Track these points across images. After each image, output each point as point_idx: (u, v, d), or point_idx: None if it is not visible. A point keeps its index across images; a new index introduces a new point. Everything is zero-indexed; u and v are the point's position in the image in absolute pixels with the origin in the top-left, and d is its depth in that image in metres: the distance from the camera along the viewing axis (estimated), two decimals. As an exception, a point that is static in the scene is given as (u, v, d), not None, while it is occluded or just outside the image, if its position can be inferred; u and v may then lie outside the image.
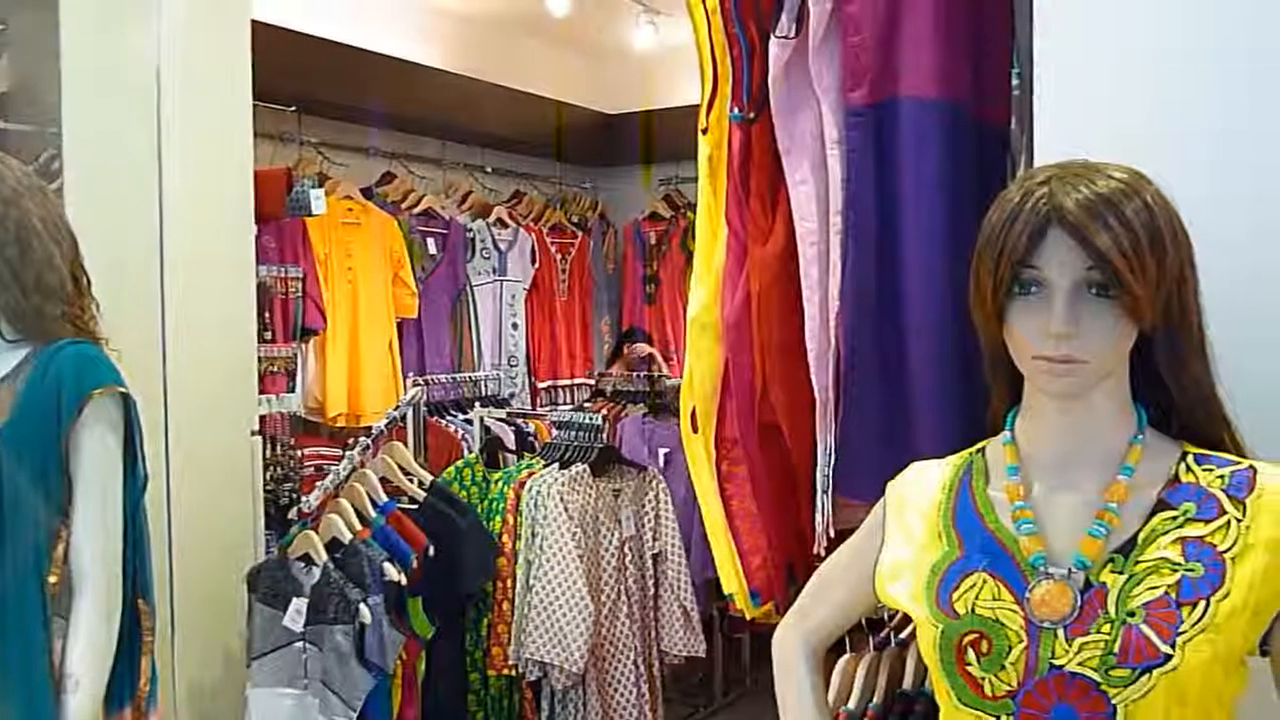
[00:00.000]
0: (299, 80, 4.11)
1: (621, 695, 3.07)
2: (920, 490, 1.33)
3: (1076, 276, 1.13)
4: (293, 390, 3.58)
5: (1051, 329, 1.12)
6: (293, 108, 4.32)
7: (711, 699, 4.54)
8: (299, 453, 3.69)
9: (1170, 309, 1.17)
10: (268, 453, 3.29)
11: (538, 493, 3.01)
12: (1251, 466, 1.18)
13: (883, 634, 1.84)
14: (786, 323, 1.70)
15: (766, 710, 1.65)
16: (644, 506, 3.24)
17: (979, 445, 1.33)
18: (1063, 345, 1.13)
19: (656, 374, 4.61)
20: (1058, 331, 1.12)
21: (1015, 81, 1.74)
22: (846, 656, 1.82)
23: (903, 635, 1.82)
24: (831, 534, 1.71)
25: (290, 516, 3.05)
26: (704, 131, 1.83)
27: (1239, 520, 1.13)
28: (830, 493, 1.70)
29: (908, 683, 1.77)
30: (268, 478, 3.25)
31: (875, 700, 1.76)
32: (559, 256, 5.65)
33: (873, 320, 1.62)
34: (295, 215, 3.44)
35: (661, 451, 4.16)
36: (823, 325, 1.67)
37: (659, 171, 5.95)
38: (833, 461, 1.70)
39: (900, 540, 1.32)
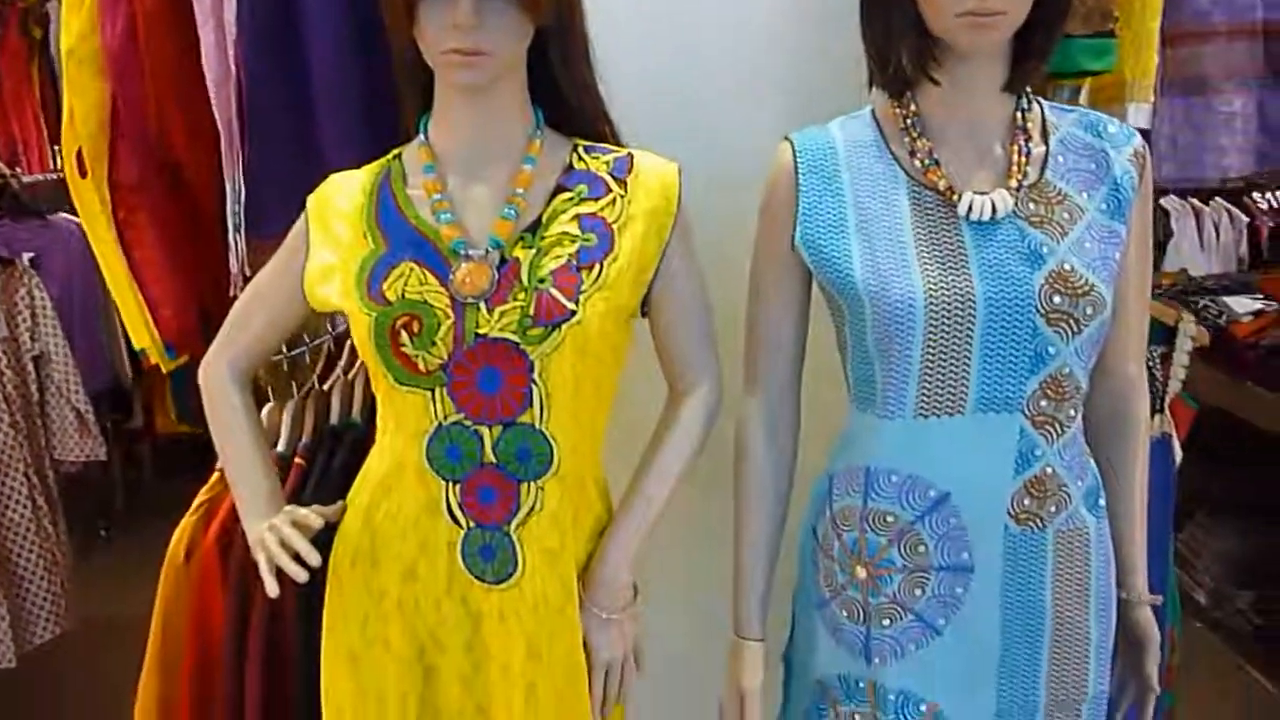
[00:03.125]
0: None
1: (15, 511, 2.80)
2: (341, 197, 1.36)
3: None
4: None
5: (457, 20, 1.19)
6: None
7: (110, 519, 4.28)
8: None
9: (561, 10, 1.28)
10: None
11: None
12: (630, 153, 1.35)
13: (307, 386, 1.86)
14: (181, 48, 1.59)
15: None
16: (16, 305, 2.90)
17: (394, 152, 1.38)
18: (469, 37, 1.20)
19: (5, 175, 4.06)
20: (461, 23, 1.19)
21: None
22: (270, 405, 1.82)
23: (329, 381, 1.85)
24: (247, 274, 1.67)
25: None
26: None
27: (622, 197, 1.31)
28: (243, 231, 1.66)
29: (334, 420, 1.82)
30: None
31: (304, 440, 1.79)
32: None
33: (273, 44, 1.57)
34: None
35: (27, 256, 3.72)
36: (219, 51, 1.58)
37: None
38: (242, 199, 1.65)
39: (325, 246, 1.34)
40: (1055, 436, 1.26)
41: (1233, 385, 3.39)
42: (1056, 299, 1.21)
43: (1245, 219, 4.61)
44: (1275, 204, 4.58)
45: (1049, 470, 1.26)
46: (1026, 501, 1.26)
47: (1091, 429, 1.37)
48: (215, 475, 1.75)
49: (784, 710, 1.48)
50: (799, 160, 1.31)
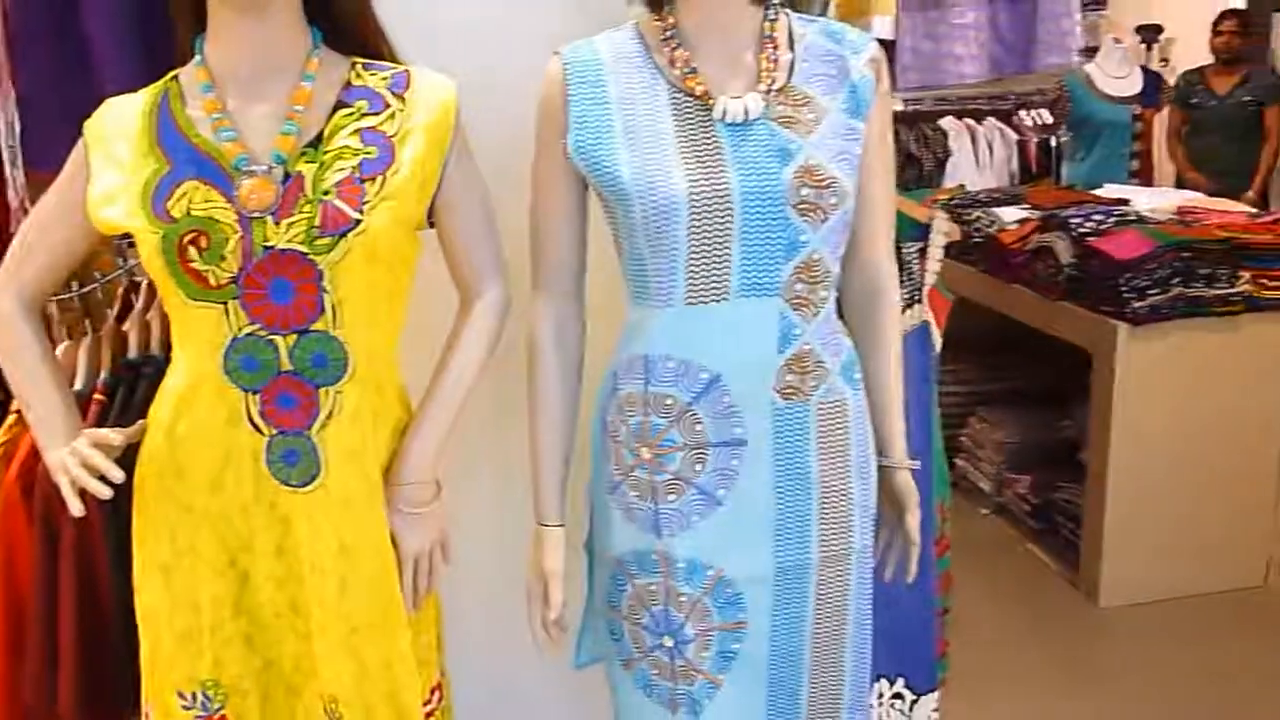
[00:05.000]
0: None
1: None
2: (120, 121, 1.37)
3: None
4: None
5: None
6: None
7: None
8: None
9: None
10: None
11: None
12: (407, 70, 1.41)
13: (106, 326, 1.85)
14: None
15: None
16: None
17: (172, 74, 1.39)
18: None
19: None
20: None
21: None
22: (65, 344, 1.80)
23: (126, 322, 1.84)
24: (27, 207, 1.65)
25: None
26: None
27: (401, 111, 1.37)
28: (19, 165, 1.63)
29: (132, 354, 1.82)
30: None
31: (103, 376, 1.79)
32: None
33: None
34: None
35: None
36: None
37: None
38: (17, 131, 1.62)
39: (108, 169, 1.35)
40: (811, 317, 1.39)
41: (1004, 288, 3.69)
42: (804, 191, 1.33)
43: (1016, 137, 4.95)
44: (1040, 121, 4.93)
45: (807, 348, 1.40)
46: (789, 378, 1.39)
47: (849, 311, 1.52)
48: (12, 418, 1.73)
49: (589, 594, 1.59)
50: (567, 72, 1.39)
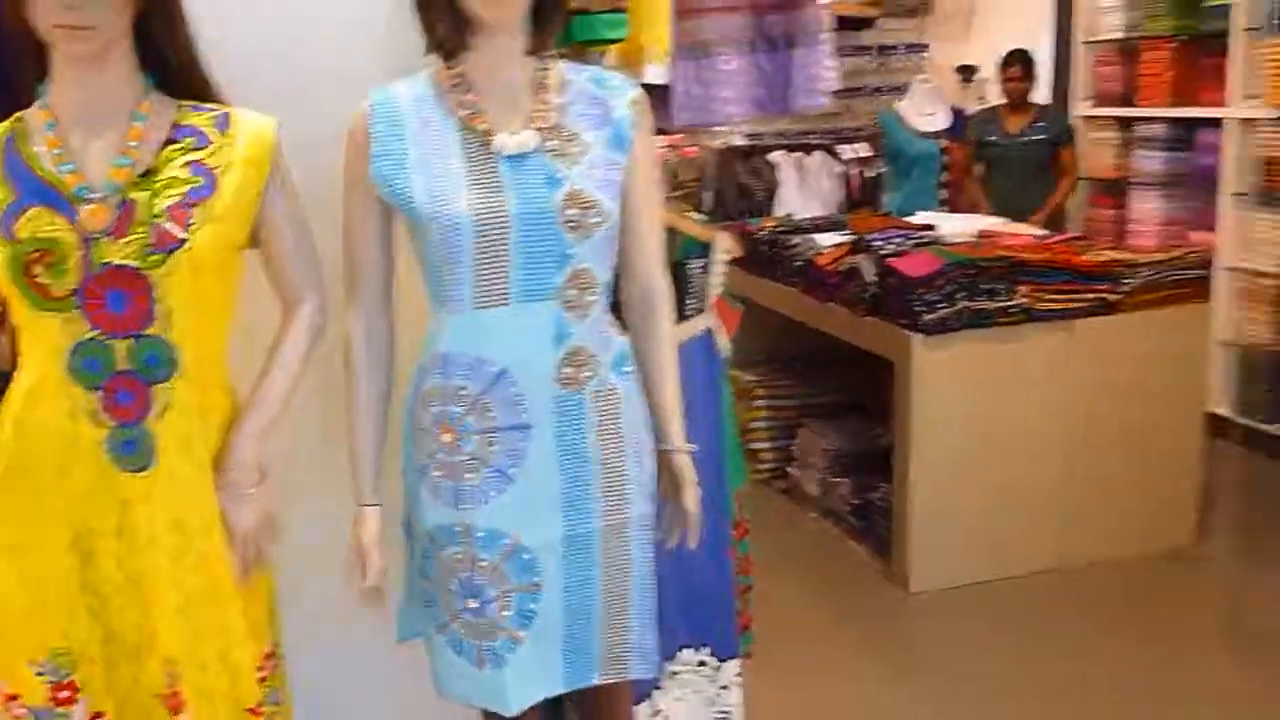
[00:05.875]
0: None
1: None
2: None
3: None
4: None
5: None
6: None
7: None
8: None
9: None
10: None
11: None
12: (228, 111, 1.63)
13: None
14: None
15: None
16: None
17: (17, 115, 1.59)
18: (75, 13, 1.44)
19: None
20: (69, 1, 1.42)
21: None
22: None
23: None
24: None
25: None
26: None
27: (224, 146, 1.59)
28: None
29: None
30: None
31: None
32: None
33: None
34: None
35: None
36: None
37: None
38: None
39: None
40: (583, 318, 1.65)
41: (821, 307, 4.03)
42: (571, 212, 1.60)
43: (840, 169, 5.35)
44: (861, 155, 5.34)
45: (581, 344, 1.65)
46: (566, 369, 1.65)
47: (628, 315, 1.79)
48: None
49: (407, 570, 1.81)
50: (373, 113, 1.64)
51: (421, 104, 1.65)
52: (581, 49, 1.92)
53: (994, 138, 5.13)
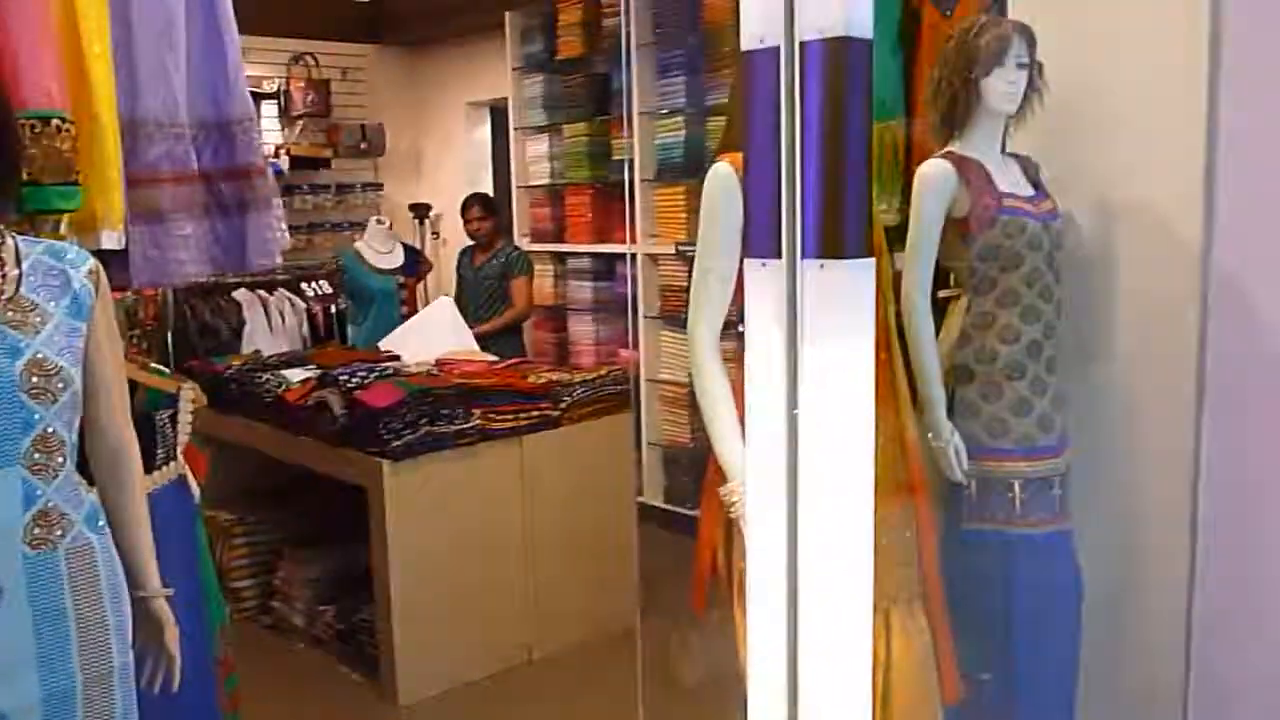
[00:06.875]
0: None
1: None
2: None
3: None
4: None
5: None
6: None
7: None
8: None
9: None
10: None
11: None
12: None
13: None
14: None
15: None
16: None
17: None
18: None
19: None
20: None
21: None
22: None
23: None
24: None
25: None
26: None
27: None
28: None
29: None
30: None
31: None
32: None
33: None
34: None
35: None
36: None
37: None
38: None
39: None
40: (52, 479, 1.72)
41: (294, 440, 4.17)
42: (34, 379, 1.68)
43: (304, 305, 5.55)
44: (322, 291, 5.59)
45: (51, 504, 1.72)
46: (37, 530, 1.70)
47: (97, 470, 1.87)
48: None
49: None
50: None
51: None
52: (33, 218, 1.99)
53: (464, 272, 5.70)
